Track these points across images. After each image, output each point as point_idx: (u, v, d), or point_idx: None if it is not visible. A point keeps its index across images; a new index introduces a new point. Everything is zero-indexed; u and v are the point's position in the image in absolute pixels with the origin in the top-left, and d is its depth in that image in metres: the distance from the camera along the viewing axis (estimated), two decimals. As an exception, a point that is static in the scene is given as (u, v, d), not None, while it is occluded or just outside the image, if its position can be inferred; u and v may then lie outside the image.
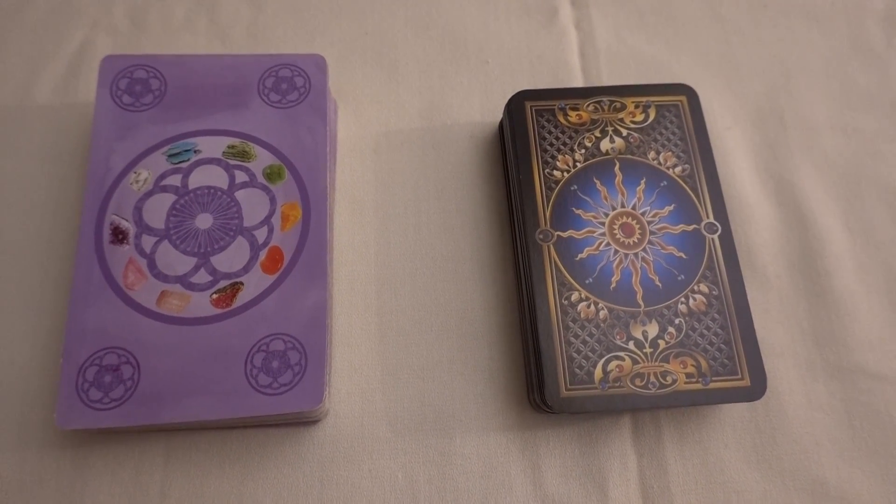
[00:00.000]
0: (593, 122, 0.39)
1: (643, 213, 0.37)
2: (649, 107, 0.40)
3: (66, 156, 0.41)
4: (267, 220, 0.36)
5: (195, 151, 0.37)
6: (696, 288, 0.36)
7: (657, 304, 0.35)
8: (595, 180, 0.38)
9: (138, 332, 0.33)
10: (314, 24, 0.46)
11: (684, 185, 0.38)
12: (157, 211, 0.36)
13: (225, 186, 0.36)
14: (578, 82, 0.45)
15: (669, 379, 0.34)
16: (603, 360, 0.34)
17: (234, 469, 0.35)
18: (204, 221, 0.36)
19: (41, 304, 0.37)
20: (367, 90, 0.44)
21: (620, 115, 0.40)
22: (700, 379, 0.34)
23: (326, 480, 0.35)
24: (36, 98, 0.42)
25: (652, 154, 0.39)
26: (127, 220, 0.35)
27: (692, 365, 0.34)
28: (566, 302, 0.35)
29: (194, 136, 0.37)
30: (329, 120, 0.39)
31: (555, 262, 0.36)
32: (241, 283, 0.34)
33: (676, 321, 0.35)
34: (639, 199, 0.38)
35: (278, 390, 0.32)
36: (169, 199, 0.36)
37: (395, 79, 0.44)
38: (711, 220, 0.37)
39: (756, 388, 0.34)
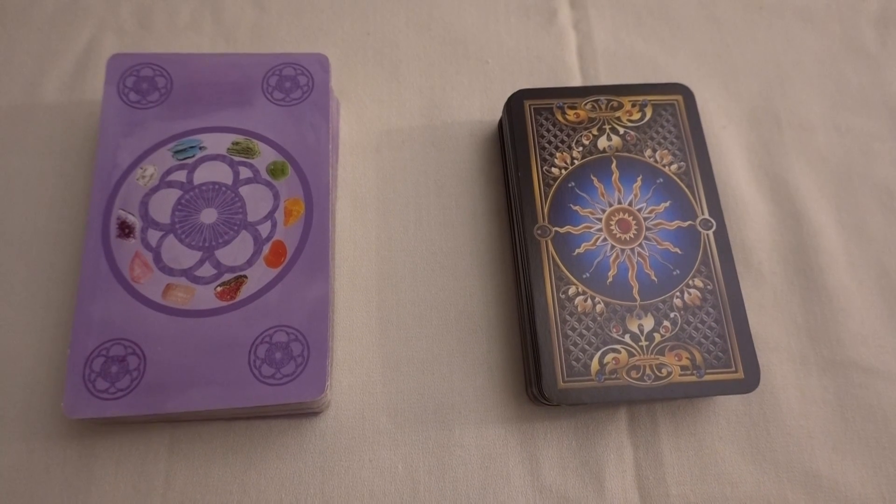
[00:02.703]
0: (591, 120, 0.40)
1: (639, 210, 0.38)
2: (646, 106, 0.41)
3: (74, 152, 0.42)
4: (270, 215, 0.36)
5: (200, 148, 0.38)
6: (691, 283, 0.36)
7: (653, 299, 0.36)
8: (592, 177, 0.39)
9: (144, 324, 0.34)
10: (317, 24, 0.47)
11: (680, 182, 0.39)
12: (163, 206, 0.36)
13: (229, 182, 0.37)
14: (576, 82, 0.45)
15: (665, 371, 0.34)
16: (599, 352, 0.35)
17: (237, 459, 0.35)
18: (209, 216, 0.36)
19: (49, 297, 0.38)
20: (369, 89, 0.45)
21: (617, 114, 0.40)
22: (695, 371, 0.34)
23: (328, 471, 0.35)
24: (43, 96, 0.43)
25: (648, 152, 0.39)
26: (133, 215, 0.36)
27: (687, 358, 0.35)
28: (563, 296, 0.36)
29: (199, 132, 0.38)
30: (332, 118, 0.40)
31: (552, 257, 0.36)
32: (245, 277, 0.35)
33: (672, 315, 0.35)
34: (635, 195, 0.38)
35: (281, 381, 0.33)
36: (174, 194, 0.37)
37: (397, 78, 0.45)
38: (706, 216, 0.38)
39: (750, 381, 0.34)
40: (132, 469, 0.35)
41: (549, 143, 0.39)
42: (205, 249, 0.36)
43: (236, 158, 0.38)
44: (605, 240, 0.37)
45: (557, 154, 0.39)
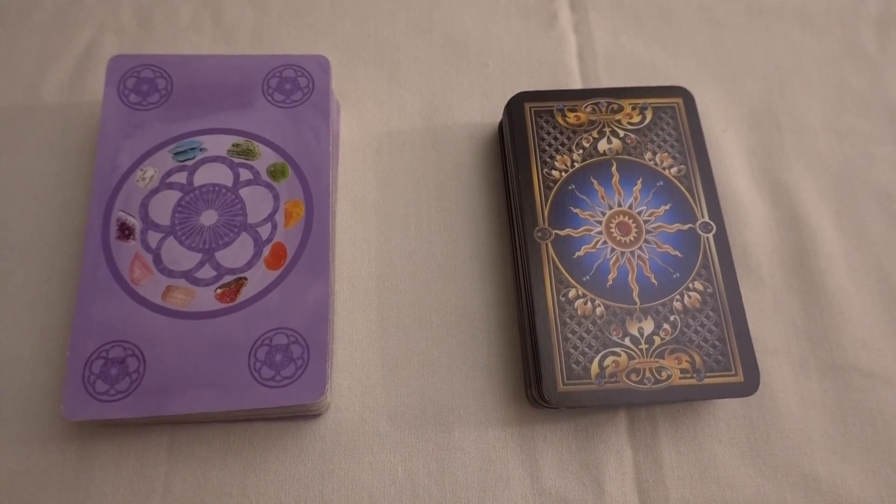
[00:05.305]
0: (591, 123, 0.40)
1: (639, 213, 0.38)
2: (646, 108, 0.41)
3: (74, 153, 0.41)
4: (270, 217, 0.36)
5: (200, 150, 0.38)
6: (690, 286, 0.36)
7: (653, 302, 0.36)
8: (592, 180, 0.39)
9: (144, 326, 0.34)
10: (317, 26, 0.47)
11: (680, 185, 0.39)
12: (163, 207, 0.36)
13: (229, 184, 0.37)
14: (577, 84, 0.45)
15: (664, 374, 0.34)
16: (599, 355, 0.35)
17: (236, 461, 0.35)
18: (209, 218, 0.36)
19: (48, 299, 0.38)
20: (370, 91, 0.45)
21: (618, 117, 0.40)
22: (694, 374, 0.34)
23: (327, 473, 0.35)
24: (44, 97, 0.43)
25: (648, 155, 0.40)
26: (133, 217, 0.36)
27: (687, 361, 0.35)
28: (563, 299, 0.36)
29: (200, 134, 0.38)
30: (332, 120, 0.40)
31: (553, 259, 0.36)
32: (245, 279, 0.35)
33: (671, 318, 0.35)
34: (635, 198, 0.38)
35: (281, 383, 0.33)
36: (174, 196, 0.37)
37: (397, 80, 0.45)
38: (706, 219, 0.38)
39: (749, 384, 0.34)
40: (131, 471, 0.35)
41: (550, 145, 0.39)
42: (205, 251, 0.36)
43: (236, 160, 0.38)
44: (605, 243, 0.37)
45: (558, 157, 0.39)
